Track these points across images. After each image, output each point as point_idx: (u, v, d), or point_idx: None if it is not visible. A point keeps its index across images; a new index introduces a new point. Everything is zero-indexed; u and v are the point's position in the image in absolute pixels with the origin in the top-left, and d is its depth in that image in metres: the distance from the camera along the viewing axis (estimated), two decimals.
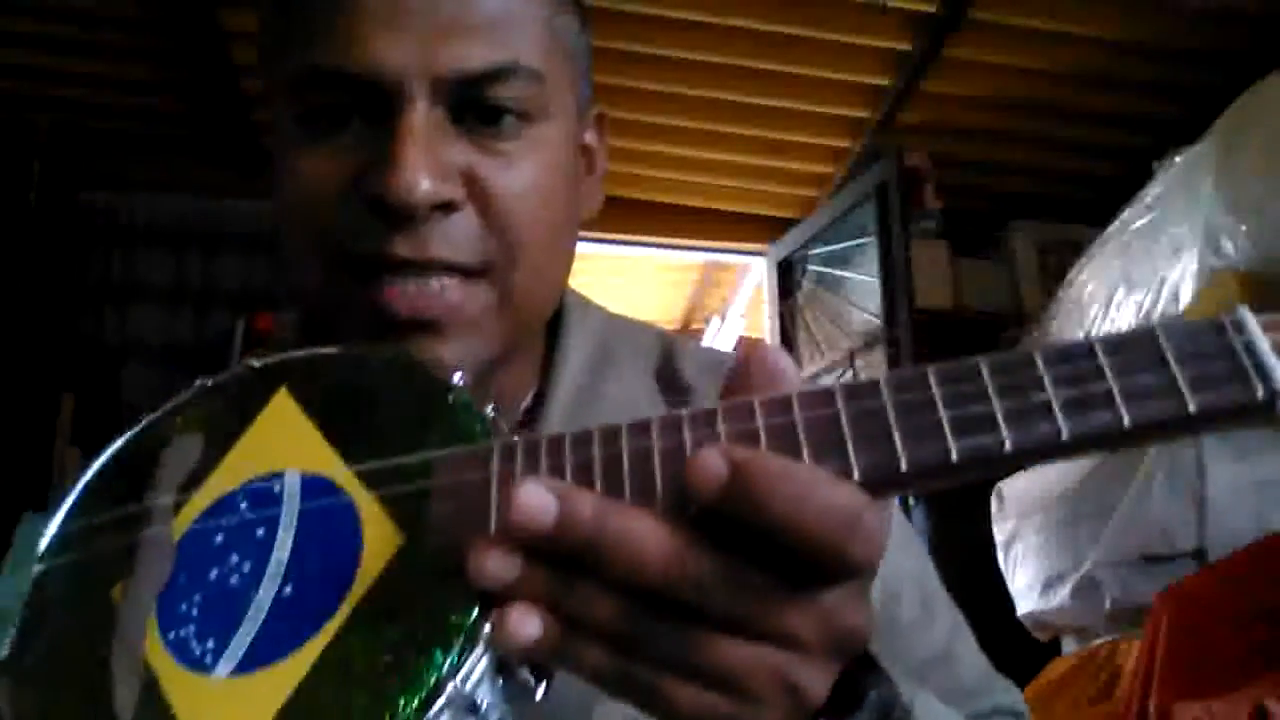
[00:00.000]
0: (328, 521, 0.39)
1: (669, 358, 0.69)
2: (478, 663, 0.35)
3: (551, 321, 0.66)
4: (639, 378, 0.67)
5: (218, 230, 3.17)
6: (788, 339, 3.43)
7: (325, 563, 0.39)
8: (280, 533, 0.40)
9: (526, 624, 0.33)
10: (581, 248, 0.66)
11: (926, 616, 0.63)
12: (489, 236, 0.54)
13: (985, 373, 0.34)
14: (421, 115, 0.52)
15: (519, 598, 0.33)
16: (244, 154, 3.19)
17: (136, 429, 0.47)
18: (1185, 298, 2.04)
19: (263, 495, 0.41)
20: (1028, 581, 2.23)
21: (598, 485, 0.35)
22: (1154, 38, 2.63)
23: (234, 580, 0.40)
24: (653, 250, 3.66)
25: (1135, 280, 2.21)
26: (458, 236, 0.53)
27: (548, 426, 0.62)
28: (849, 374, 3.06)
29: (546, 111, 0.56)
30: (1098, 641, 2.06)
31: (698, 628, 0.33)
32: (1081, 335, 2.46)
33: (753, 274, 4.25)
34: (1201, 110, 2.30)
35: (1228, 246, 1.92)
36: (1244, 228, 1.89)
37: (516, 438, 0.38)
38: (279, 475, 0.42)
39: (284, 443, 0.43)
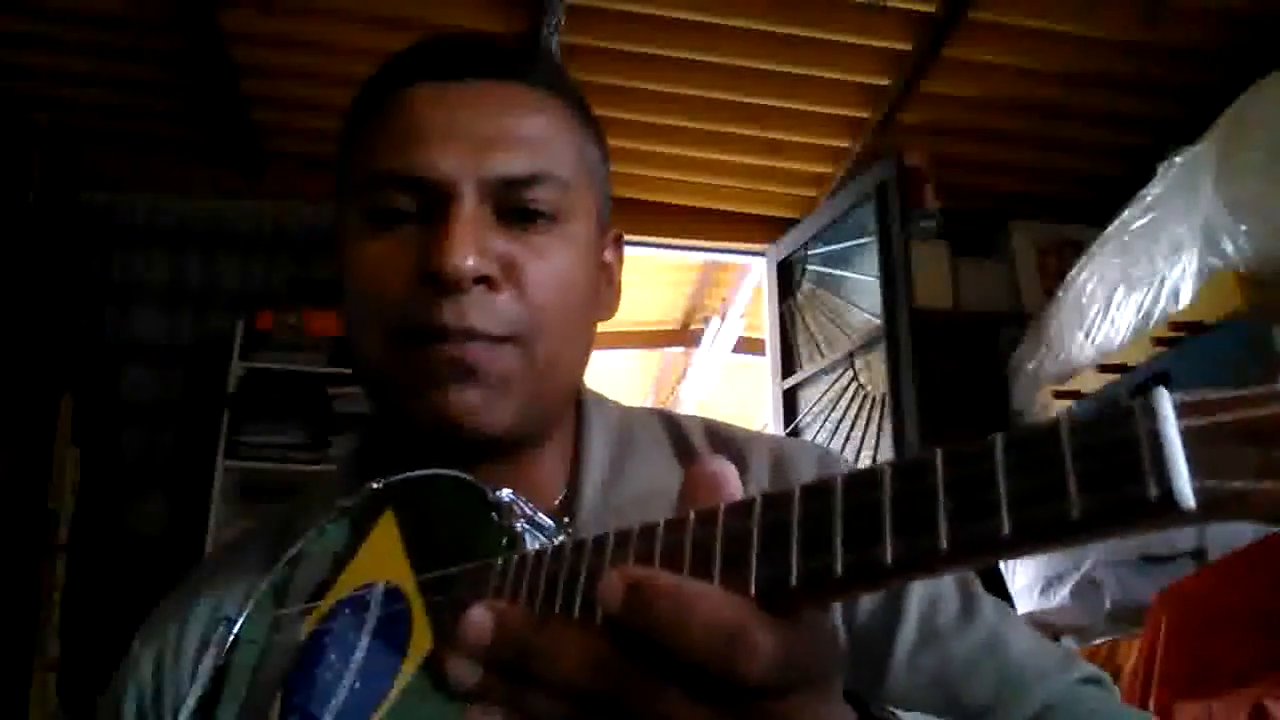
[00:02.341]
0: (391, 626, 0.48)
1: (675, 430, 0.78)
2: None
3: (575, 421, 0.75)
4: (658, 455, 0.75)
5: (218, 230, 3.17)
6: (787, 339, 3.42)
7: (383, 661, 0.47)
8: (363, 637, 0.49)
9: None
10: None
11: (967, 616, 0.66)
12: (521, 312, 0.63)
13: (888, 479, 0.33)
14: (469, 208, 0.62)
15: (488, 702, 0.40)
16: (244, 154, 3.19)
17: (294, 548, 0.59)
18: (1185, 297, 2.04)
19: (359, 603, 0.51)
20: (1028, 581, 2.24)
21: (558, 600, 0.40)
22: (1154, 38, 2.63)
23: (329, 676, 0.50)
24: (653, 250, 3.66)
25: (1135, 280, 2.21)
26: (494, 310, 0.62)
27: (581, 512, 0.69)
28: (849, 374, 3.07)
29: (573, 215, 0.67)
30: (1098, 641, 2.06)
31: None
32: (1081, 335, 2.45)
33: (752, 274, 4.25)
34: (1201, 110, 2.30)
35: (1227, 246, 1.92)
36: (1244, 228, 1.89)
37: (513, 557, 0.44)
38: (372, 585, 0.51)
39: (381, 557, 0.52)
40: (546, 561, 0.42)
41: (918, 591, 0.66)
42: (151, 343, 3.07)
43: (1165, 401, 0.29)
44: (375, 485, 0.57)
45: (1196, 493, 0.27)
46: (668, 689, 0.35)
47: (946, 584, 0.67)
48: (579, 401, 0.75)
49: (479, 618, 0.39)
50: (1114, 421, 0.29)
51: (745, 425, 0.81)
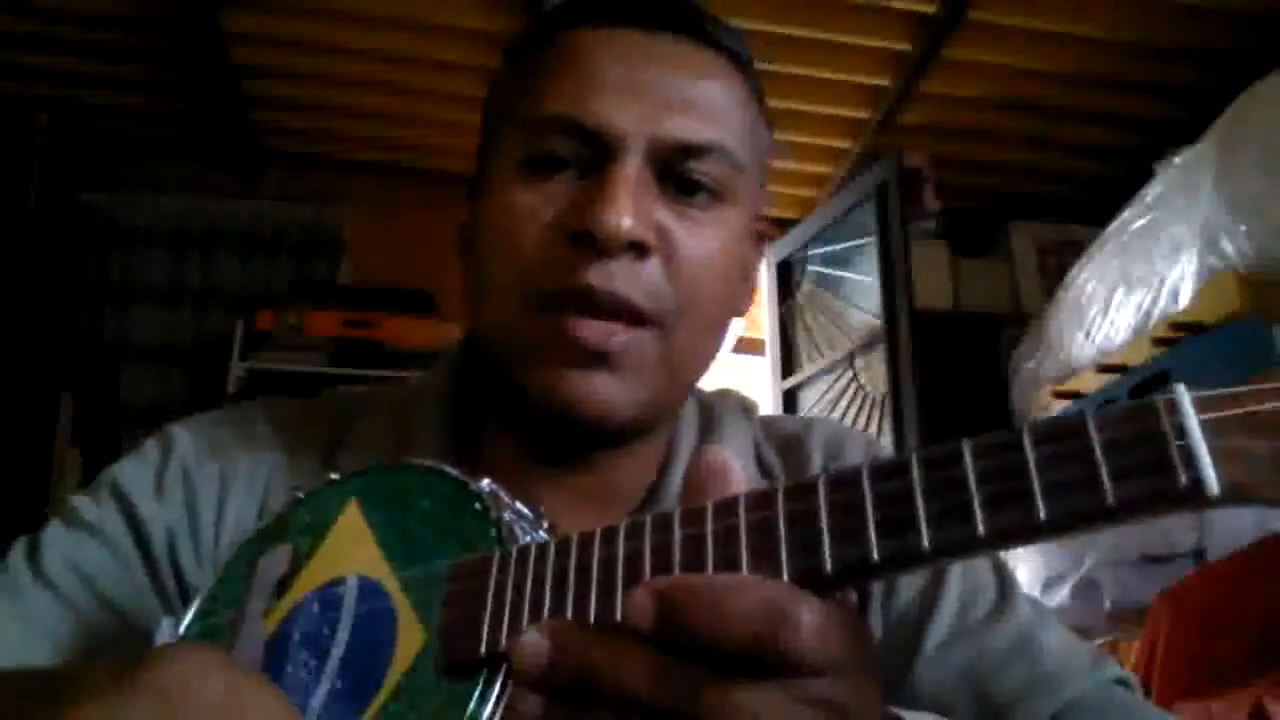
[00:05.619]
0: (373, 621, 0.46)
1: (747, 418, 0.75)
2: None
3: None
4: (742, 445, 0.72)
5: (217, 230, 3.17)
6: (787, 339, 3.42)
7: (368, 659, 0.45)
8: (339, 633, 0.47)
9: None
10: None
11: (1001, 611, 0.66)
12: (668, 288, 0.59)
13: (915, 470, 0.35)
14: (634, 168, 0.58)
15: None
16: (244, 154, 3.19)
17: (245, 538, 0.54)
18: (1185, 298, 2.04)
19: (330, 599, 0.48)
20: (1028, 581, 2.23)
21: (570, 593, 0.39)
22: (1154, 38, 2.63)
23: (303, 675, 0.47)
24: None
25: (1135, 280, 2.21)
26: (642, 280, 0.58)
27: (668, 499, 0.66)
28: (849, 374, 3.07)
29: (735, 197, 0.63)
30: (1098, 641, 2.06)
31: None
32: (1081, 335, 2.44)
33: None
34: (1201, 110, 2.30)
35: (1227, 246, 1.92)
36: (1244, 228, 1.89)
37: (511, 550, 0.42)
38: (344, 580, 0.49)
39: (350, 550, 0.50)
40: (552, 555, 0.41)
41: (956, 585, 0.66)
42: (151, 343, 3.07)
43: (1186, 398, 0.31)
44: (334, 478, 0.53)
45: (1220, 479, 0.30)
46: (729, 685, 0.35)
47: (985, 579, 0.67)
48: None
49: (533, 641, 0.38)
50: (1139, 416, 0.32)
51: None
